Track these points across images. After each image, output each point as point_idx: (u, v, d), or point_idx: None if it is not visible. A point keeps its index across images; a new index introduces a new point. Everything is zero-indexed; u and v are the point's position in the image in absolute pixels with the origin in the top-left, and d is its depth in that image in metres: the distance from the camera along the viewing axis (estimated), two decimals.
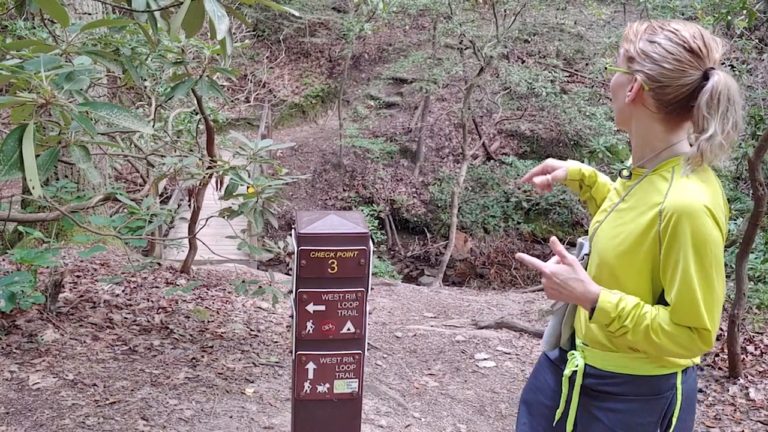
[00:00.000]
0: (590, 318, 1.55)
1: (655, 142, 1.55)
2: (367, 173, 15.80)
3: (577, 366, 1.67)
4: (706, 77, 1.44)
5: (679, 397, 1.61)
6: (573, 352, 1.72)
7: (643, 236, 1.50)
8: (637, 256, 1.52)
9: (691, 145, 1.54)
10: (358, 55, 18.82)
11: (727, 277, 6.06)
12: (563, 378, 1.72)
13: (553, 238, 1.60)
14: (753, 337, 4.78)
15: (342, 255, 1.95)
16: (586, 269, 1.68)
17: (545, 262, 1.62)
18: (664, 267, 1.48)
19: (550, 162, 1.95)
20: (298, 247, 1.94)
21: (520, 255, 1.64)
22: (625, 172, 1.64)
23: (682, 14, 10.53)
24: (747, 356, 4.46)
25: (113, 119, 1.56)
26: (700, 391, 4.12)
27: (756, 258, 5.90)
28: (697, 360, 1.65)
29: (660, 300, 1.56)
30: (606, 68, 1.51)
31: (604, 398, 1.64)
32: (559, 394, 1.75)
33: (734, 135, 1.44)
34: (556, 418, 1.75)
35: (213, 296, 5.18)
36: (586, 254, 1.70)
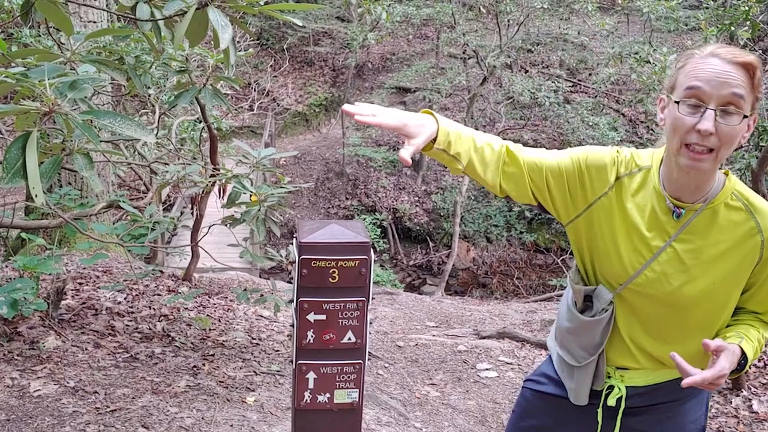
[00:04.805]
0: (738, 372, 1.46)
1: (716, 176, 1.50)
2: (369, 182, 15.82)
3: (620, 391, 1.63)
4: None
5: None
6: (608, 382, 1.66)
7: (741, 268, 1.48)
8: (734, 288, 1.50)
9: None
10: (361, 65, 18.88)
11: None
12: (598, 409, 1.66)
13: (706, 341, 1.39)
14: None
15: (343, 264, 1.95)
16: (610, 319, 1.58)
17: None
18: (763, 284, 1.51)
19: (408, 128, 1.45)
20: (299, 257, 1.94)
21: (688, 381, 1.37)
22: (677, 212, 1.50)
23: (686, 25, 10.56)
24: (750, 368, 4.44)
25: (116, 128, 1.57)
26: None
27: None
28: None
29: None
30: (746, 116, 1.39)
31: (651, 411, 1.63)
32: (573, 425, 1.72)
33: None
34: None
35: (215, 304, 5.17)
36: (611, 301, 1.58)
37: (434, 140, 1.50)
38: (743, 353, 1.44)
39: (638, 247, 1.53)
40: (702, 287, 1.48)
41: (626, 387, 1.62)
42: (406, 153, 1.40)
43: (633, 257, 1.53)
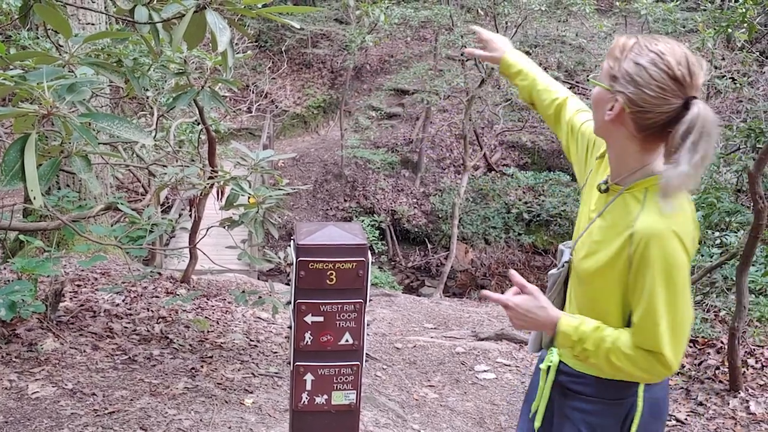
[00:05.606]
0: (552, 343, 1.59)
1: (630, 162, 1.53)
2: (368, 184, 15.83)
3: (552, 362, 1.74)
4: (686, 106, 1.41)
5: (640, 404, 1.63)
6: (552, 348, 1.76)
7: (616, 258, 1.51)
8: (611, 276, 1.53)
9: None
10: (359, 66, 18.89)
11: (728, 290, 5.93)
12: (541, 372, 1.79)
13: (512, 271, 1.64)
14: (754, 350, 4.77)
15: (341, 266, 1.96)
16: (559, 276, 1.72)
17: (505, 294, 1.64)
18: (633, 290, 1.50)
19: (490, 39, 2.08)
20: (296, 258, 1.95)
21: (484, 292, 1.68)
22: (602, 186, 1.62)
23: (684, 27, 10.58)
24: (747, 369, 4.45)
25: (114, 130, 1.57)
26: (701, 404, 4.11)
27: (757, 271, 5.89)
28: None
29: (629, 322, 1.57)
30: (588, 80, 1.49)
31: (573, 397, 1.70)
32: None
33: (702, 168, 1.39)
34: (532, 410, 1.82)
35: (213, 306, 5.17)
36: (566, 262, 1.71)
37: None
38: (559, 324, 1.55)
39: (584, 218, 1.70)
40: (591, 264, 1.57)
41: (560, 361, 1.73)
42: (472, 49, 2.10)
43: (580, 226, 1.70)
